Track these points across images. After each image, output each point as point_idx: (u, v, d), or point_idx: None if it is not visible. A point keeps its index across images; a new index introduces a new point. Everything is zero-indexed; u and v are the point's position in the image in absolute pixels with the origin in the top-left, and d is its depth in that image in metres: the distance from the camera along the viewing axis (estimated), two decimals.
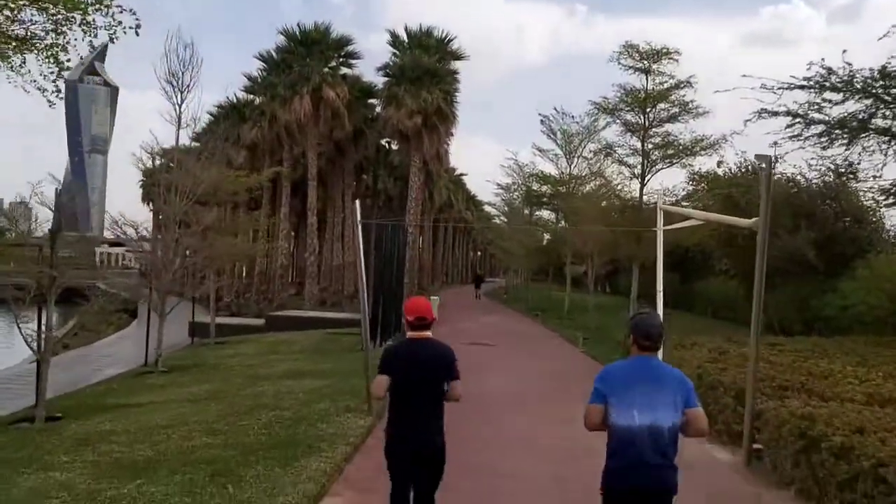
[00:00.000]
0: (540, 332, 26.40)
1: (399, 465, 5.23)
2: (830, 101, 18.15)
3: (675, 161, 22.42)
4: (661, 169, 22.87)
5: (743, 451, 8.59)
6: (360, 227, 10.48)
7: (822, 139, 19.68)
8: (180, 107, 17.96)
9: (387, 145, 54.22)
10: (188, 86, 17.43)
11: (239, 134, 43.63)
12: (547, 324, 28.70)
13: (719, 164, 33.14)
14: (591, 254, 28.05)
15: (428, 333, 5.33)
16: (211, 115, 49.71)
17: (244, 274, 49.88)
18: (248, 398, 12.08)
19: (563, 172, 34.49)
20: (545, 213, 43.28)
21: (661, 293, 13.47)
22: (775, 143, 19.64)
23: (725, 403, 9.93)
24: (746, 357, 12.68)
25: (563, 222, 40.03)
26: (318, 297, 36.69)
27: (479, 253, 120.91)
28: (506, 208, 55.10)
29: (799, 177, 28.67)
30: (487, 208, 75.56)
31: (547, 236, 44.90)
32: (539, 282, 64.75)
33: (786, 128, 19.77)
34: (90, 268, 28.29)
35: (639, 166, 22.71)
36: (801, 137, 19.87)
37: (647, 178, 22.79)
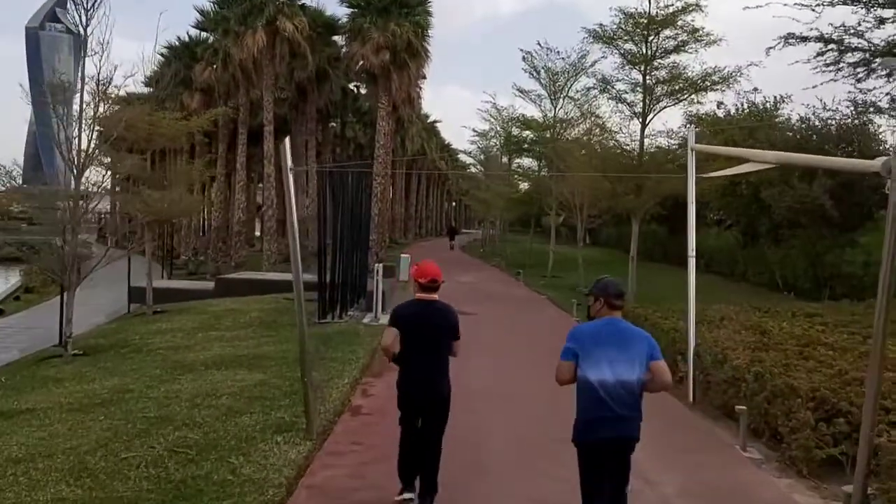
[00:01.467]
0: (524, 295, 23.59)
1: (410, 413, 5.78)
2: (880, 21, 15.13)
3: (682, 97, 19.40)
4: (667, 107, 19.86)
5: (854, 498, 5.76)
6: (290, 174, 7.35)
7: (860, 69, 16.79)
8: (86, 29, 14.51)
9: (355, 90, 50.53)
10: (94, 2, 13.96)
11: (191, 76, 39.76)
12: (532, 285, 25.89)
13: (719, 105, 30.33)
14: (581, 205, 25.15)
15: (435, 296, 5.76)
16: (161, 55, 45.64)
17: (205, 230, 46.53)
18: (154, 404, 9.10)
19: (546, 116, 31.35)
20: (526, 161, 40.20)
21: (693, 257, 10.70)
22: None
23: (802, 419, 7.14)
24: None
25: (545, 170, 37.04)
26: (280, 254, 33.51)
27: (453, 204, 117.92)
28: (482, 157, 51.91)
29: (812, 117, 25.90)
30: (463, 157, 72.25)
31: (526, 185, 41.95)
32: (518, 233, 62.04)
33: (816, 56, 16.84)
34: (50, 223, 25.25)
35: (640, 104, 19.65)
36: (834, 67, 16.95)
37: (649, 118, 19.78)
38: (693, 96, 19.39)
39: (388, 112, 33.11)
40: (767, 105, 29.91)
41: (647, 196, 19.91)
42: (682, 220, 35.55)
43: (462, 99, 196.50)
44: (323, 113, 47.05)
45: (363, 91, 47.35)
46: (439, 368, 5.76)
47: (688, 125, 25.56)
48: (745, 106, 29.93)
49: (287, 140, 7.31)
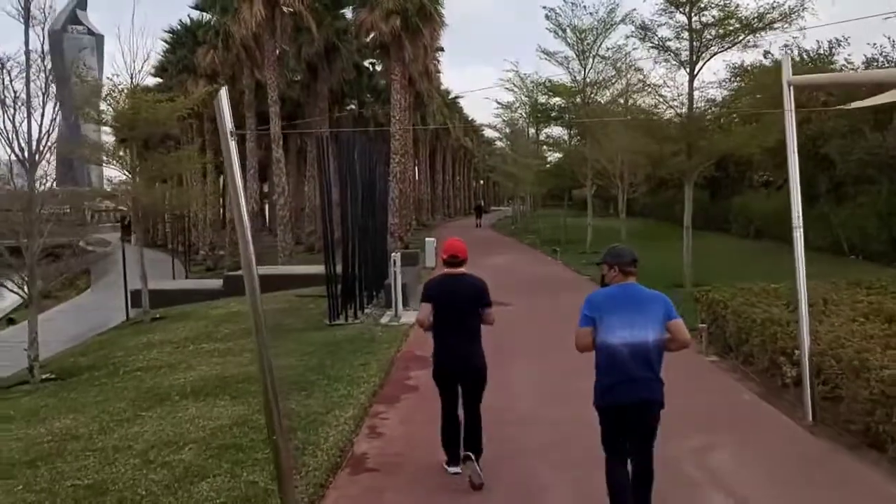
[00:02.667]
0: (565, 277, 21.07)
1: (447, 383, 6.05)
2: None
3: (737, 40, 16.63)
4: (717, 53, 17.07)
5: None
6: (231, 140, 4.96)
7: None
8: None
9: (370, 67, 48.07)
10: None
11: (195, 62, 37.61)
12: (571, 264, 23.36)
13: (766, 54, 27.35)
14: (622, 172, 22.52)
15: (462, 269, 6.04)
16: (164, 41, 43.62)
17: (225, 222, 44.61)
18: (96, 461, 6.88)
19: (575, 79, 28.59)
20: (556, 130, 37.44)
21: (800, 227, 8.17)
22: None
23: None
24: None
25: (574, 140, 34.33)
26: (302, 244, 31.35)
27: (481, 182, 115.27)
28: (507, 130, 49.21)
29: (881, 57, 22.88)
30: (488, 132, 69.49)
31: (558, 156, 39.27)
32: (550, 208, 59.28)
33: None
34: (75, 224, 23.64)
35: (685, 52, 16.94)
36: None
37: (697, 67, 17.06)
38: (752, 37, 16.57)
39: (402, 85, 30.63)
40: (821, 51, 26.87)
41: (701, 156, 17.24)
42: (724, 183, 32.46)
43: (486, 76, 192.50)
44: (337, 93, 44.71)
45: (378, 68, 44.92)
46: (471, 339, 5.96)
47: (731, 78, 22.81)
48: (795, 53, 26.95)
49: (222, 91, 4.93)
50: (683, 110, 17.38)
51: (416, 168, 59.78)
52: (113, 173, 24.57)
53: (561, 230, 38.07)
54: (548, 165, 42.69)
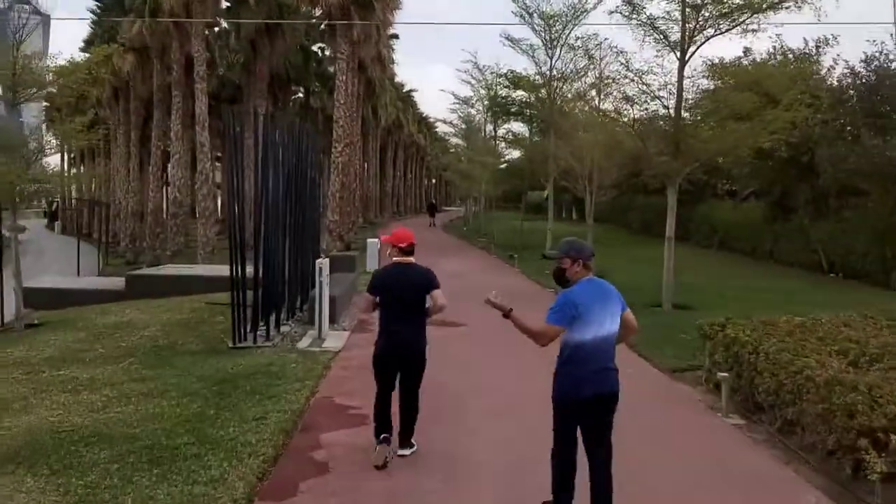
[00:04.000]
0: (527, 289, 18.44)
1: (386, 370, 6.14)
2: None
3: (738, 20, 14.16)
4: (714, 36, 14.57)
5: None
6: None
7: None
8: None
9: (318, 52, 44.97)
10: None
11: (121, 33, 33.98)
12: (532, 274, 20.74)
13: (746, 51, 25.24)
14: (591, 173, 20.00)
15: (411, 259, 6.17)
16: (92, 12, 39.82)
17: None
18: None
19: (541, 70, 26.00)
20: (516, 126, 34.79)
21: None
22: None
23: None
24: None
25: (535, 137, 31.79)
26: (221, 241, 28.03)
27: (433, 181, 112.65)
28: (463, 127, 46.49)
29: (878, 61, 20.74)
30: (442, 127, 66.74)
31: (517, 154, 36.74)
32: (503, 210, 56.82)
33: None
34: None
35: (677, 32, 14.43)
36: None
37: (689, 52, 14.57)
38: (755, 17, 14.12)
39: (351, 68, 27.66)
40: (807, 50, 24.84)
41: (690, 157, 14.79)
42: (686, 190, 29.93)
43: (443, 75, 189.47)
44: (281, 78, 41.53)
45: (328, 53, 41.85)
46: (417, 326, 6.11)
47: (708, 75, 20.49)
48: (778, 52, 24.88)
49: None
50: (671, 102, 14.90)
51: (366, 162, 56.69)
52: None
53: (516, 234, 35.56)
54: (505, 164, 40.19)
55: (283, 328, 12.20)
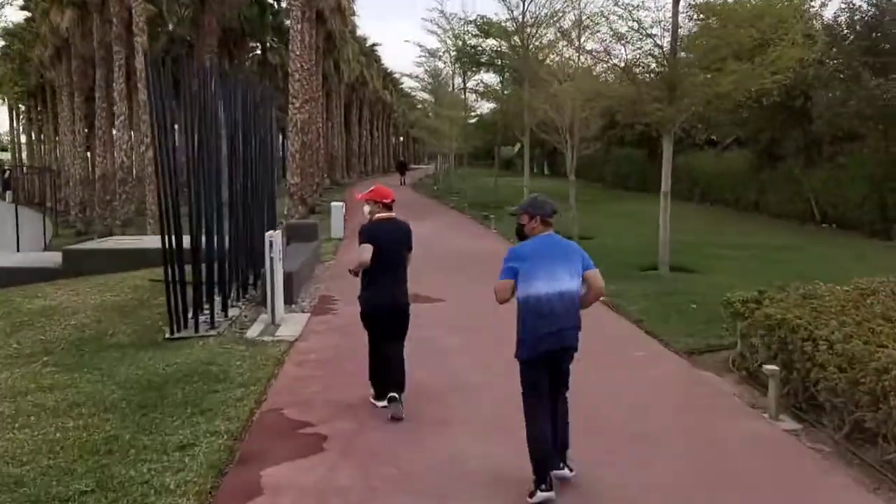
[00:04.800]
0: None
1: (377, 322, 6.30)
2: None
3: None
4: None
5: None
6: None
7: None
8: None
9: (275, 3, 42.42)
10: None
11: None
12: (509, 235, 19.14)
13: None
14: (571, 125, 18.33)
15: (393, 214, 6.36)
16: None
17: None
18: None
19: (513, 15, 24.07)
20: (487, 78, 32.84)
21: None
22: None
23: None
24: None
25: (508, 88, 29.94)
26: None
27: (401, 139, 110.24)
28: (430, 81, 44.40)
29: None
30: (408, 82, 64.43)
31: (489, 107, 34.89)
32: (475, 167, 55.07)
33: None
34: None
35: None
36: None
37: None
38: None
39: (308, 18, 25.48)
40: None
41: (686, 102, 13.20)
42: (660, 142, 28.33)
43: (412, 30, 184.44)
44: (235, 32, 39.06)
45: (284, 4, 39.40)
46: (402, 279, 6.31)
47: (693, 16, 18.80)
48: None
49: None
50: (665, 40, 13.24)
51: (330, 121, 54.39)
52: None
53: (489, 192, 33.91)
54: (476, 118, 38.37)
55: (232, 311, 10.51)
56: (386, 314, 6.25)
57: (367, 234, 6.18)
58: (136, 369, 7.88)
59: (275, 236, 9.54)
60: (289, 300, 10.76)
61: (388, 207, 6.35)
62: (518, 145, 61.03)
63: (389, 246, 6.16)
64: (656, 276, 13.13)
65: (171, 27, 39.03)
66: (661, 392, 6.84)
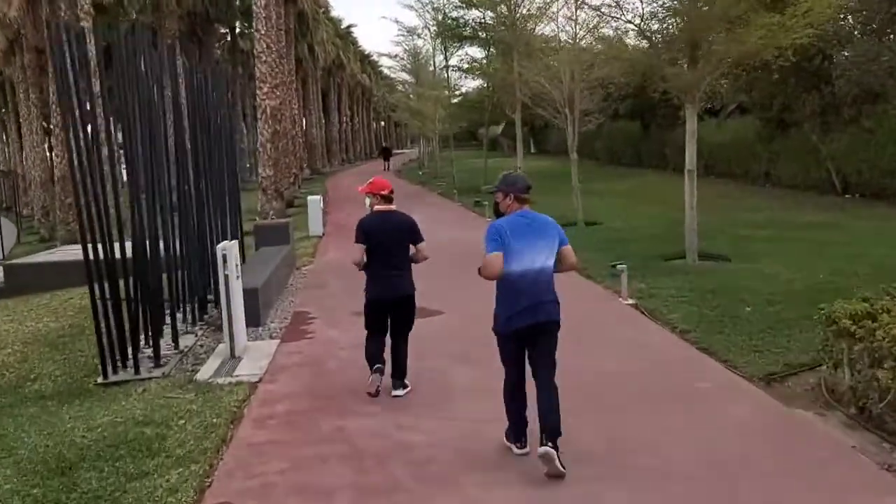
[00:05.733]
0: None
1: (380, 314, 6.34)
2: None
3: None
4: None
5: None
6: None
7: None
8: None
9: None
10: None
11: None
12: None
13: None
14: (571, 96, 16.44)
15: (393, 206, 6.34)
16: None
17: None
18: None
19: None
20: (473, 52, 30.73)
21: None
22: None
23: None
24: None
25: (495, 64, 27.88)
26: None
27: (382, 124, 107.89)
28: (410, 60, 42.27)
29: None
30: (386, 63, 62.26)
31: (475, 84, 32.88)
32: (460, 149, 53.08)
33: None
34: None
35: None
36: None
37: None
38: None
39: None
40: None
41: (711, 63, 11.31)
42: (659, 112, 26.04)
43: (388, 9, 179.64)
44: (199, 16, 36.78)
45: None
46: (404, 270, 6.29)
47: None
48: None
49: None
50: None
51: (307, 108, 52.16)
52: None
53: (477, 175, 31.99)
54: (460, 97, 36.38)
55: (186, 339, 8.61)
56: (388, 306, 6.32)
57: (360, 230, 6.23)
58: (48, 438, 5.98)
59: (229, 248, 7.61)
60: (254, 322, 8.86)
61: (388, 199, 6.34)
62: (502, 124, 58.96)
63: (383, 238, 6.19)
64: (686, 267, 11.29)
65: (133, 14, 36.78)
66: (752, 449, 5.00)
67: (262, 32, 20.19)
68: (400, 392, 6.29)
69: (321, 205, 17.68)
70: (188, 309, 9.29)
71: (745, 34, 10.85)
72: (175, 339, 8.32)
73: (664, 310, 8.64)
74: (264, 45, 20.15)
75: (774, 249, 12.45)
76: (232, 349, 7.68)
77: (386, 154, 54.25)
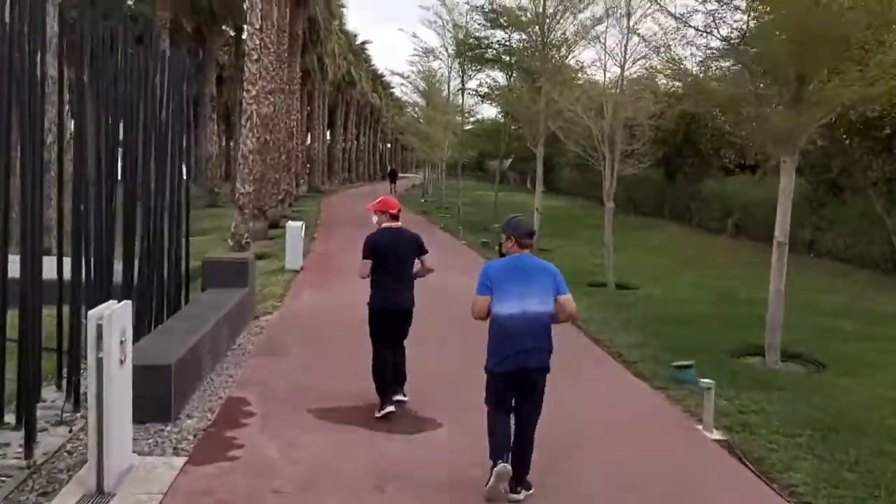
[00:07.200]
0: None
1: (385, 324, 6.59)
2: None
3: None
4: None
5: None
6: None
7: None
8: None
9: None
10: None
11: None
12: None
13: None
14: (612, 134, 13.69)
15: (399, 224, 6.71)
16: None
17: None
18: None
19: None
20: (494, 75, 27.93)
21: None
22: None
23: None
24: None
25: (514, 87, 25.08)
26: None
27: (388, 145, 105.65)
28: (423, 85, 39.68)
29: None
30: (399, 82, 59.90)
31: (492, 113, 30.21)
32: (465, 178, 50.45)
33: None
34: None
35: None
36: None
37: None
38: None
39: None
40: None
41: (824, 107, 8.51)
42: (687, 162, 23.12)
43: (405, 37, 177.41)
44: (205, 12, 34.34)
45: None
46: (407, 285, 6.64)
47: None
48: None
49: None
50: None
51: (311, 122, 49.59)
52: None
53: (484, 209, 29.26)
54: (475, 124, 33.74)
55: (55, 434, 5.67)
56: (389, 316, 6.57)
57: (369, 245, 6.57)
58: None
59: (108, 318, 4.68)
60: (161, 416, 5.97)
61: (394, 217, 6.66)
62: (511, 158, 56.21)
63: (390, 253, 6.52)
64: (772, 375, 8.34)
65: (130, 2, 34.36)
66: None
67: (257, 27, 17.44)
68: (404, 398, 6.67)
69: (302, 232, 14.77)
70: (65, 382, 6.36)
71: (878, 68, 8.05)
72: (28, 439, 5.36)
73: (774, 458, 5.71)
74: (257, 42, 17.39)
75: (873, 353, 9.55)
76: (99, 478, 4.74)
77: (393, 176, 52.20)
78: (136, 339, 7.24)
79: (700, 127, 28.76)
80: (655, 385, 7.62)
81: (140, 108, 7.67)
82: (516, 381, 4.81)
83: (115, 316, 4.77)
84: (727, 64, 9.02)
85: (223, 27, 40.03)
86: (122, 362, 4.91)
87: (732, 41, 8.46)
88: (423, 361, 7.25)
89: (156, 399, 5.95)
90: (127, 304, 5.13)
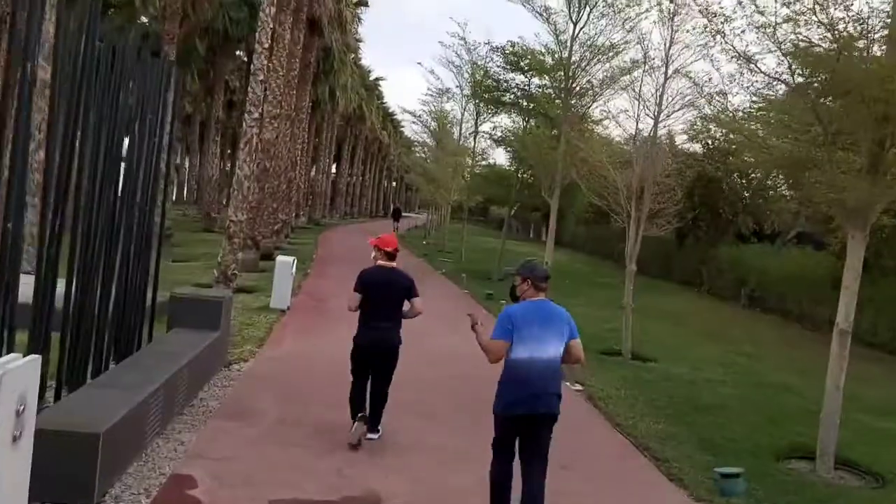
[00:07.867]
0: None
1: (364, 361, 6.61)
2: None
3: None
4: None
5: None
6: None
7: None
8: None
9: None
10: None
11: None
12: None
13: None
14: (640, 190, 12.52)
15: (394, 263, 6.75)
16: None
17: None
18: None
19: (559, 40, 18.44)
20: (509, 122, 26.90)
21: None
22: None
23: None
24: None
25: (532, 129, 24.03)
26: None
27: (393, 184, 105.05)
28: (433, 125, 38.83)
29: None
30: (409, 125, 59.24)
31: (504, 159, 29.17)
32: (474, 224, 49.39)
33: None
34: None
35: None
36: None
37: None
38: None
39: (293, 8, 19.74)
40: None
41: None
42: (701, 226, 21.72)
43: (420, 79, 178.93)
44: (218, 32, 33.57)
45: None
46: (395, 324, 6.63)
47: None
48: None
49: None
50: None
51: (318, 153, 48.68)
52: None
53: (489, 256, 28.03)
54: (485, 167, 32.73)
55: None
56: (374, 352, 6.59)
57: (359, 281, 6.61)
58: None
59: (9, 391, 3.38)
60: (79, 497, 4.60)
61: (390, 256, 6.70)
62: (516, 206, 55.34)
63: (379, 292, 6.54)
64: (839, 494, 6.97)
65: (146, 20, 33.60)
66: None
67: (266, 46, 16.43)
68: (374, 436, 6.63)
69: (293, 269, 13.48)
70: None
71: None
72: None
73: None
74: (264, 62, 16.36)
75: None
76: None
77: (396, 215, 51.52)
78: (72, 388, 5.96)
79: (716, 190, 27.78)
80: (697, 495, 6.26)
81: (103, 110, 6.45)
82: (523, 425, 4.79)
83: (8, 378, 3.47)
84: (790, 117, 7.77)
85: (237, 52, 39.34)
86: (15, 439, 3.60)
87: (808, 92, 7.24)
88: (405, 465, 5.92)
89: (73, 476, 4.61)
90: (33, 361, 3.82)
